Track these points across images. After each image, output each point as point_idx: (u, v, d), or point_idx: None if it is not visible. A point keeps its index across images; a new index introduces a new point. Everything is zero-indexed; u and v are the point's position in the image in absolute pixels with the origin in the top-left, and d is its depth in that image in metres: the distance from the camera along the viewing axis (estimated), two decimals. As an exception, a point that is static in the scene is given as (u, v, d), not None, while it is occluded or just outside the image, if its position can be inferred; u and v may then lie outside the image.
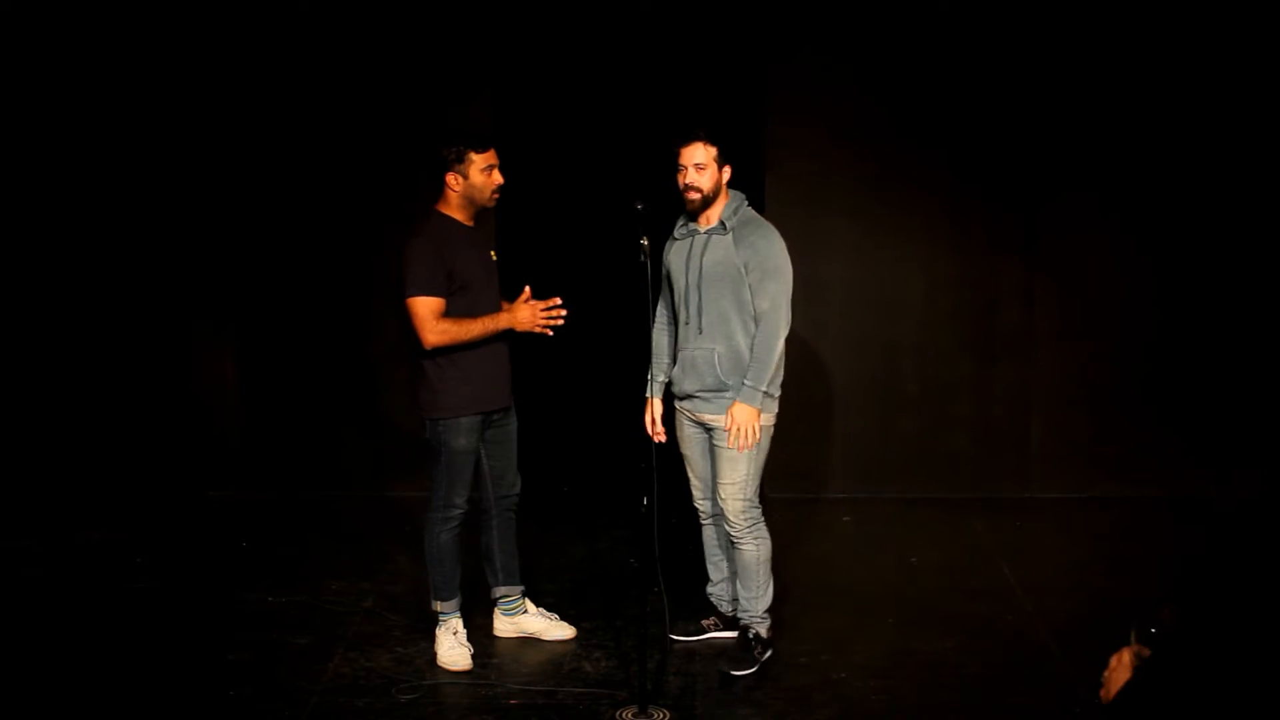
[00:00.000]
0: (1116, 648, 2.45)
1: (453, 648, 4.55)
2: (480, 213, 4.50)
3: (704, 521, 4.78)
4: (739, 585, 4.60)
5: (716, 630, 4.81)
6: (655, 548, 4.25)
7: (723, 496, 4.48)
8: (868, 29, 6.42)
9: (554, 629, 4.80)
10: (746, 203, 4.58)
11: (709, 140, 4.46)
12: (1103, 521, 6.27)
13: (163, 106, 6.48)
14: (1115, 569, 5.54)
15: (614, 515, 6.29)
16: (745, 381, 4.35)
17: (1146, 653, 2.31)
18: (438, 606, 4.60)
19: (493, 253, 4.62)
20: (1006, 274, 6.57)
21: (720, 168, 4.49)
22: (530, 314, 4.42)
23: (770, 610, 4.59)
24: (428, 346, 4.33)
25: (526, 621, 4.81)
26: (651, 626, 4.21)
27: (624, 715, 4.09)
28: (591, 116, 6.72)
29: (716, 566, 4.82)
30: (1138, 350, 6.57)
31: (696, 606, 4.89)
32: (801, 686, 4.36)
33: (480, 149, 4.36)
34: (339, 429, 6.74)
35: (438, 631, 4.61)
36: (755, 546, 4.51)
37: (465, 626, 4.64)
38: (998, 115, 6.44)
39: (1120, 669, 2.32)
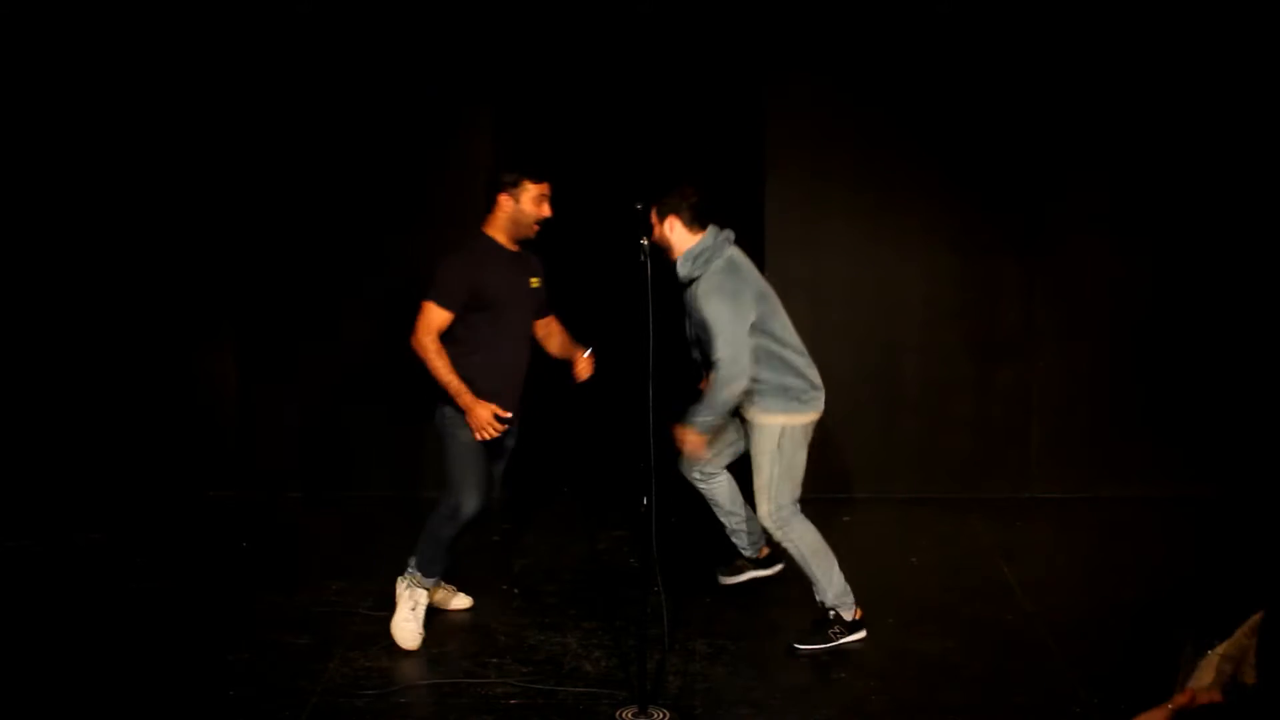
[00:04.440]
0: (1118, 647, 2.44)
1: (407, 620, 4.66)
2: (523, 240, 4.69)
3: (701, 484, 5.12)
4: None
5: (752, 570, 5.22)
6: (655, 548, 4.25)
7: (756, 497, 4.74)
8: (868, 30, 6.42)
9: (452, 599, 5.03)
10: (704, 253, 4.66)
11: (652, 206, 4.68)
12: (1103, 521, 6.26)
13: (162, 107, 6.48)
14: (1115, 569, 5.54)
15: (614, 515, 6.29)
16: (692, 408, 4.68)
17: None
18: (416, 576, 4.72)
19: (534, 280, 4.77)
20: (1006, 274, 6.57)
21: (661, 222, 4.69)
22: (485, 417, 4.51)
23: (843, 595, 4.70)
24: (412, 343, 4.50)
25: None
26: (651, 626, 4.21)
27: (624, 715, 4.09)
28: (592, 119, 6.72)
29: (723, 520, 5.16)
30: (1138, 350, 6.57)
31: (729, 553, 5.29)
32: (801, 686, 4.36)
33: (536, 180, 4.61)
34: (339, 429, 6.73)
35: (401, 591, 4.71)
36: (792, 545, 4.69)
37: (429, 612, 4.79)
38: (998, 116, 6.44)
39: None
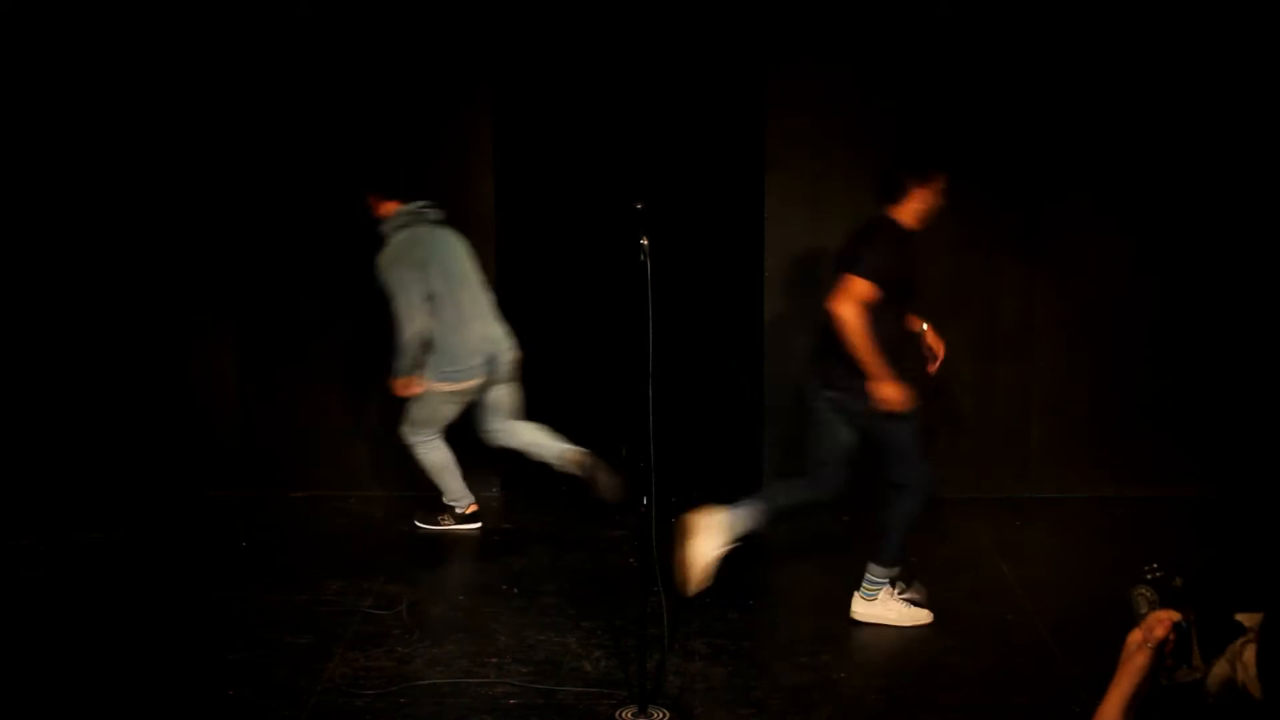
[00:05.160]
0: (1118, 648, 2.43)
1: (897, 610, 4.86)
2: None
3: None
4: None
5: (452, 522, 6.18)
6: (655, 548, 4.25)
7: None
8: (868, 29, 6.42)
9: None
10: (399, 224, 5.86)
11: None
12: (1103, 521, 6.26)
13: (162, 103, 6.48)
14: (1115, 569, 5.52)
15: (614, 515, 6.28)
16: None
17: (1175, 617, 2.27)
18: (881, 572, 4.86)
19: None
20: (1006, 274, 6.57)
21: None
22: (900, 395, 4.75)
23: (459, 496, 6.11)
24: (834, 313, 4.68)
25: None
26: (651, 626, 4.21)
27: (624, 715, 4.09)
28: (591, 116, 6.72)
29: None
30: (1138, 350, 6.57)
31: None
32: (801, 686, 4.36)
33: (943, 171, 4.87)
34: (339, 428, 6.73)
35: (881, 598, 4.86)
36: (423, 460, 6.02)
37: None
38: (998, 115, 6.43)
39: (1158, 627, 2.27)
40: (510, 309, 6.63)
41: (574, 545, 5.96)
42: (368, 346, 6.64)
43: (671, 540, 4.81)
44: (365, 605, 5.10)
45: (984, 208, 6.52)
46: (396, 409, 6.64)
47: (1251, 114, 6.34)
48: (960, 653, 4.64)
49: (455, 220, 6.56)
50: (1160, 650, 2.28)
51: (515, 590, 5.33)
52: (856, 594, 4.92)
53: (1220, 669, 2.23)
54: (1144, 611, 2.34)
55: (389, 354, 6.64)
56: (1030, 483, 6.65)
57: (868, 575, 4.90)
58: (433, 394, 5.85)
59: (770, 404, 6.63)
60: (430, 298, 5.71)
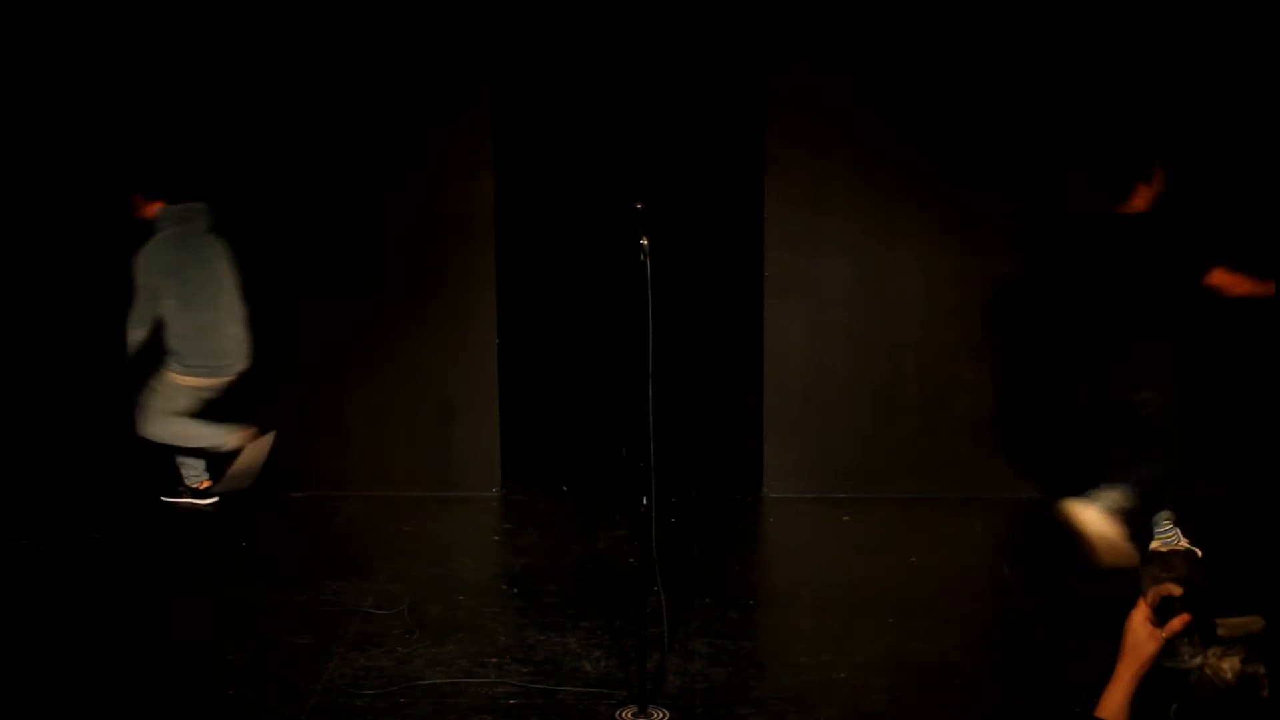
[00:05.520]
0: (1118, 647, 2.43)
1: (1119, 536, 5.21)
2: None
3: None
4: None
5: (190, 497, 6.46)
6: (654, 548, 4.25)
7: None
8: (868, 29, 6.42)
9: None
10: (163, 225, 6.14)
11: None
12: (1103, 521, 6.25)
13: (162, 103, 6.47)
14: (1115, 569, 5.54)
15: (614, 515, 6.28)
16: None
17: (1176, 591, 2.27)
18: (1116, 498, 5.23)
19: None
20: (1006, 274, 6.55)
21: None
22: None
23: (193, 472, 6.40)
24: (1250, 295, 5.31)
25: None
26: (651, 626, 4.21)
27: (624, 715, 4.09)
28: (591, 116, 6.73)
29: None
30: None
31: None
32: (801, 686, 4.36)
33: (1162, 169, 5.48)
34: (339, 428, 6.73)
35: (1105, 516, 5.21)
36: (161, 441, 6.25)
37: None
38: (998, 115, 6.43)
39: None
40: (510, 309, 6.64)
41: (574, 545, 5.96)
42: (367, 346, 6.64)
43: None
44: (365, 605, 5.10)
45: (984, 207, 6.52)
46: (393, 409, 6.67)
47: (1251, 114, 6.33)
48: (960, 653, 4.64)
49: (455, 220, 6.58)
50: (1174, 640, 2.27)
51: (515, 590, 5.33)
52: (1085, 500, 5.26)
53: (1220, 665, 2.22)
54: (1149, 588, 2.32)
55: (388, 354, 6.68)
56: (1030, 483, 6.64)
57: (1105, 490, 5.26)
58: (178, 386, 6.15)
59: (770, 404, 6.63)
60: (175, 299, 6.06)
